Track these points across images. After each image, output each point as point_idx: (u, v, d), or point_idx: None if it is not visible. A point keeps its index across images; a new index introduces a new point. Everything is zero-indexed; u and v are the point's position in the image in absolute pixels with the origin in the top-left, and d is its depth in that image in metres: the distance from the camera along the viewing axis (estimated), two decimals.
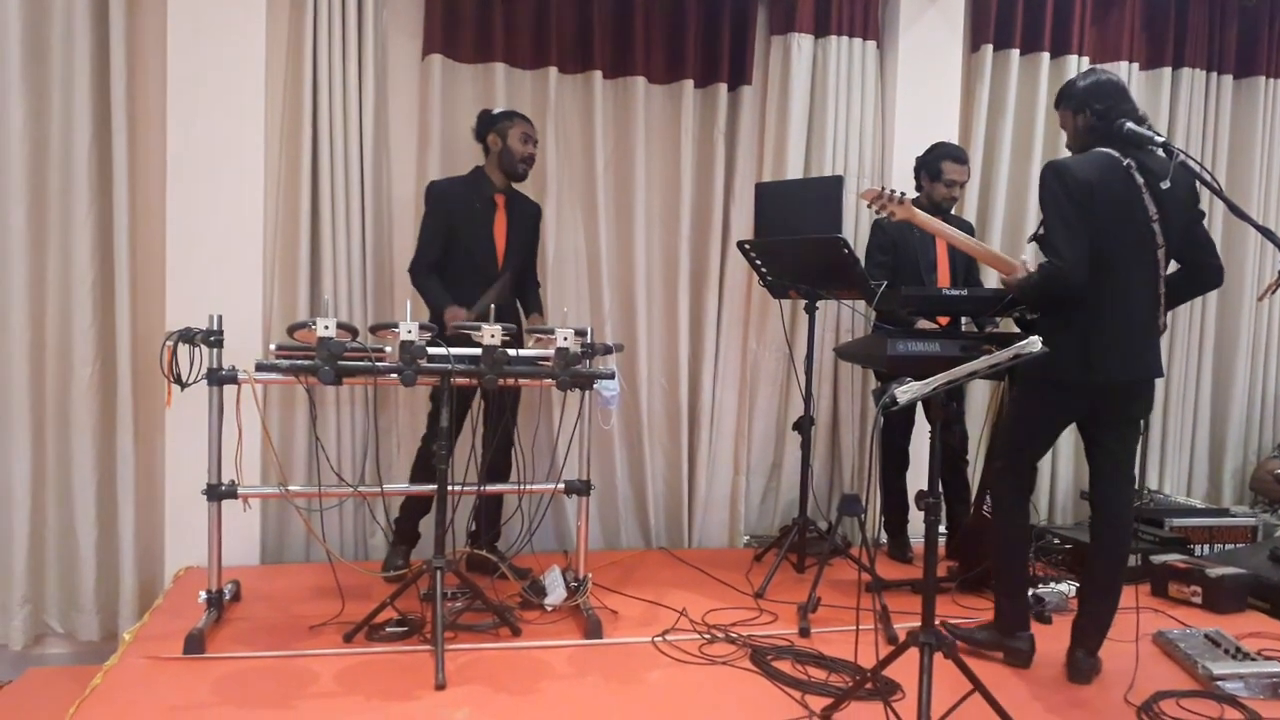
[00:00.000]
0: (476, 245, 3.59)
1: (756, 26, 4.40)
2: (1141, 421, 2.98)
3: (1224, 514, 4.42)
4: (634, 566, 4.00)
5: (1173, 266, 2.88)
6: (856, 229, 4.37)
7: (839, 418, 4.54)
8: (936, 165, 3.95)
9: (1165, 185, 2.72)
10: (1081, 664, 2.86)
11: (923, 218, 3.32)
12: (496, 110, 3.69)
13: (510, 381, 3.11)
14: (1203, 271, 2.93)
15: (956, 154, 3.97)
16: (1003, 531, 2.97)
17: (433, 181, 3.70)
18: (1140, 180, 2.75)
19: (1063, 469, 4.86)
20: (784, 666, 2.87)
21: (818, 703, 2.60)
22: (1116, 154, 2.77)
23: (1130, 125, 2.77)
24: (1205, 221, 2.98)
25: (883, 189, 3.30)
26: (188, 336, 2.94)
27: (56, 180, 3.59)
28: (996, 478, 3.05)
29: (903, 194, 3.29)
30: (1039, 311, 2.93)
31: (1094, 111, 2.82)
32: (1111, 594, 2.89)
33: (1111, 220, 2.74)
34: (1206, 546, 4.21)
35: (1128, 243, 2.76)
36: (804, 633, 3.18)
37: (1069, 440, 4.82)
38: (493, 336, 2.92)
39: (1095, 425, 2.93)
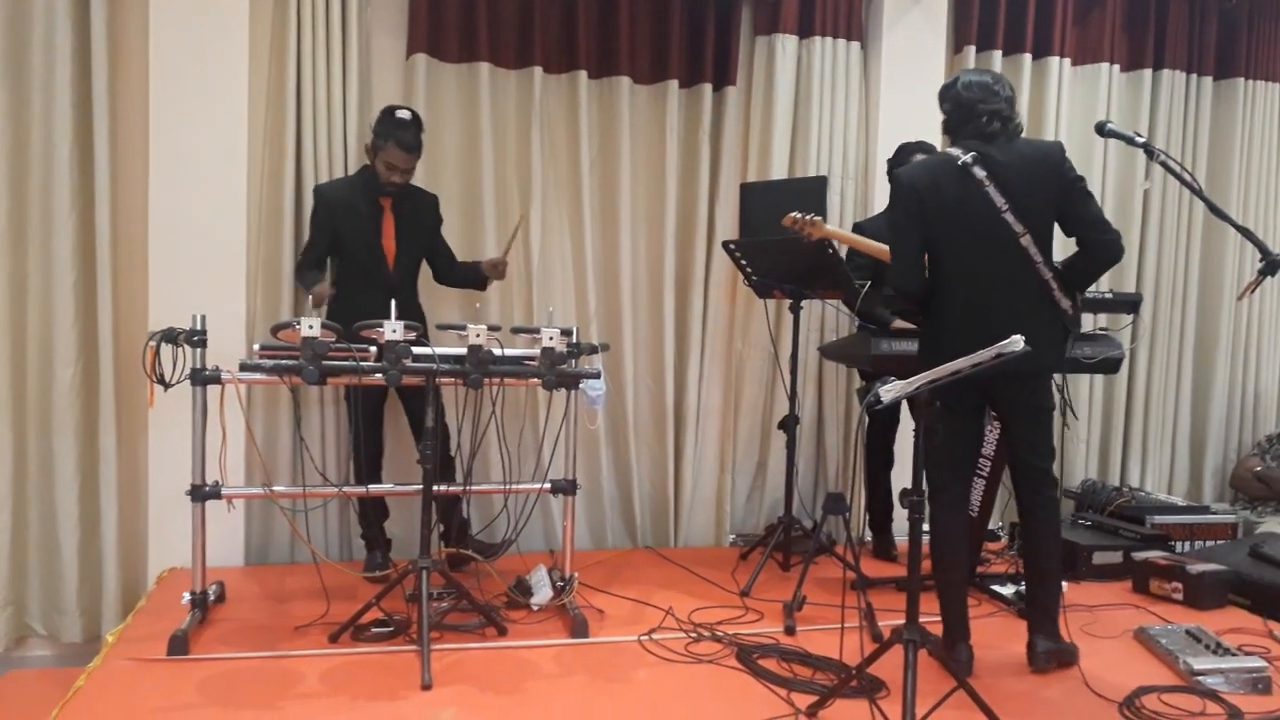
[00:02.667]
0: (362, 250, 3.55)
1: (741, 27, 4.41)
2: (1055, 409, 2.96)
3: (1205, 511, 4.46)
4: (620, 566, 4.00)
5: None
6: (841, 229, 4.37)
7: (824, 417, 4.56)
8: (907, 161, 3.98)
9: (980, 173, 2.79)
10: (1038, 651, 2.89)
11: (836, 232, 3.51)
12: (397, 114, 3.51)
13: (498, 382, 3.09)
14: (1094, 248, 2.84)
15: (923, 147, 4.01)
16: (934, 549, 2.95)
17: (318, 185, 3.68)
18: (982, 174, 2.80)
19: None
20: (770, 665, 2.88)
21: (803, 700, 2.61)
22: (957, 152, 2.84)
23: (1111, 125, 2.87)
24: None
25: (799, 215, 3.46)
26: (171, 336, 2.93)
27: (38, 179, 3.56)
28: (929, 498, 2.96)
29: (814, 216, 3.46)
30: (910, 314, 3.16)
31: (944, 111, 2.95)
32: (1046, 580, 2.92)
33: (947, 219, 2.85)
34: (1187, 543, 4.24)
35: (973, 238, 2.83)
36: (789, 631, 3.19)
37: None
38: (478, 336, 2.92)
39: (1002, 417, 3.01)
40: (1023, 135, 2.92)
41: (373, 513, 3.70)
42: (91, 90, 3.57)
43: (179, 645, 2.83)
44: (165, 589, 3.43)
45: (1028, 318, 2.70)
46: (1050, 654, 2.89)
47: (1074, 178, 2.84)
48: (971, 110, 2.85)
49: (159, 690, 2.61)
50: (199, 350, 2.98)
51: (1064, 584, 3.54)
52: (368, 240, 3.57)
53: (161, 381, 2.90)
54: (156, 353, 2.87)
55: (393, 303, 2.93)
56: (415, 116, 3.56)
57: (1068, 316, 2.85)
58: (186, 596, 3.06)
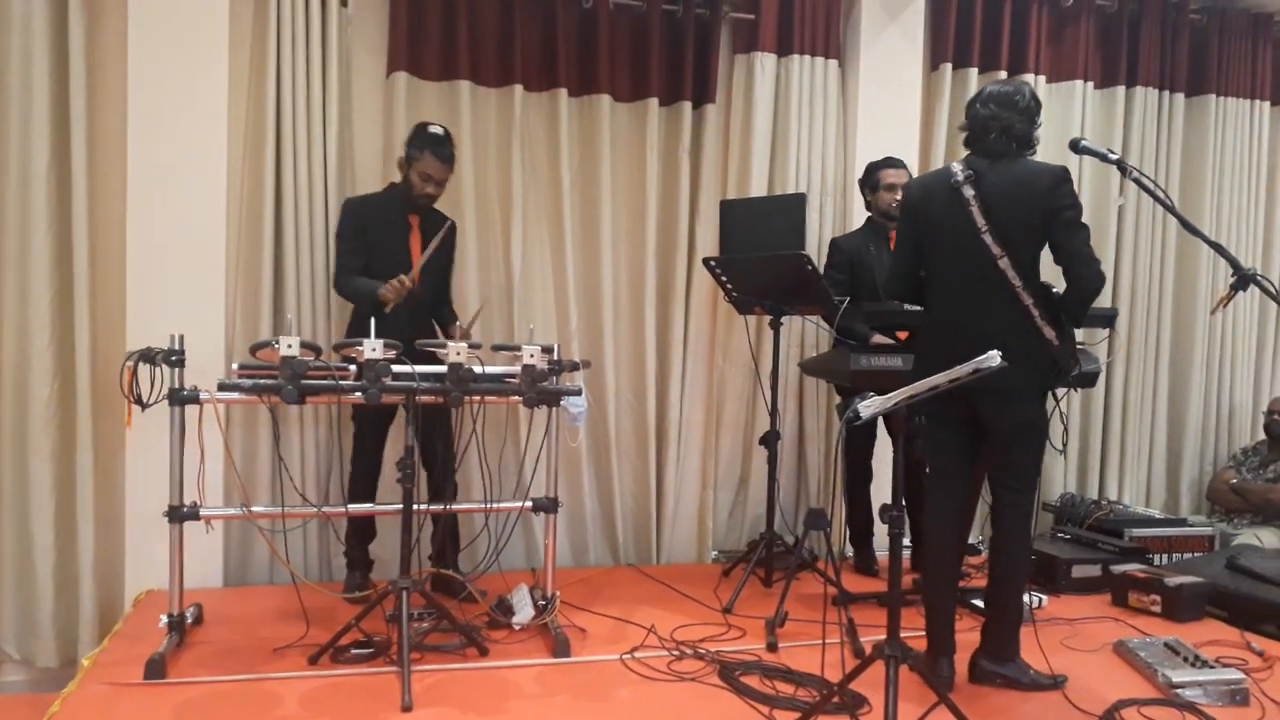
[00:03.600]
0: (391, 264, 3.53)
1: (720, 45, 4.44)
2: (1041, 431, 2.91)
3: (1182, 524, 4.50)
4: (602, 584, 3.99)
5: None
6: (820, 246, 4.41)
7: (804, 432, 4.57)
8: (874, 177, 4.06)
9: (969, 193, 2.81)
10: (979, 668, 2.91)
11: None
12: (430, 129, 3.56)
13: (479, 399, 3.08)
14: (1070, 280, 2.80)
15: (890, 161, 4.06)
16: (920, 563, 2.97)
17: (348, 197, 3.70)
18: (970, 194, 2.81)
19: None
20: (752, 681, 2.88)
21: (786, 717, 2.61)
22: (957, 169, 2.87)
23: (1085, 142, 2.91)
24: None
25: None
26: (148, 356, 2.90)
27: (14, 197, 3.53)
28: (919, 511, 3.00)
29: None
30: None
31: (961, 127, 2.99)
32: (997, 607, 2.92)
33: (935, 236, 2.92)
34: (1165, 556, 4.28)
35: (956, 257, 2.87)
36: (772, 647, 3.19)
37: None
38: (458, 354, 2.91)
39: (982, 437, 2.93)
40: (1034, 153, 2.91)
41: (360, 533, 3.68)
42: (69, 108, 3.55)
43: (156, 669, 2.80)
44: (142, 611, 3.40)
45: (1002, 340, 2.50)
46: (995, 677, 2.89)
47: (1061, 205, 2.76)
48: (983, 127, 2.87)
49: (135, 715, 2.58)
50: (177, 370, 2.96)
51: (1035, 599, 3.58)
52: (397, 255, 3.56)
53: (139, 401, 2.88)
54: (134, 372, 2.85)
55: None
56: (447, 132, 3.60)
57: (1053, 347, 2.79)
58: (164, 619, 3.02)
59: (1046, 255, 2.85)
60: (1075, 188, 2.81)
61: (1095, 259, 2.77)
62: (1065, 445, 4.82)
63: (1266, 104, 5.22)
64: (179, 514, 3.00)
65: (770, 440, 3.89)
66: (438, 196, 3.62)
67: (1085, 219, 2.83)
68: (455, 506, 3.44)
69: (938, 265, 2.94)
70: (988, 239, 2.79)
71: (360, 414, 3.60)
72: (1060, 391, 4.75)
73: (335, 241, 3.66)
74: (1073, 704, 2.76)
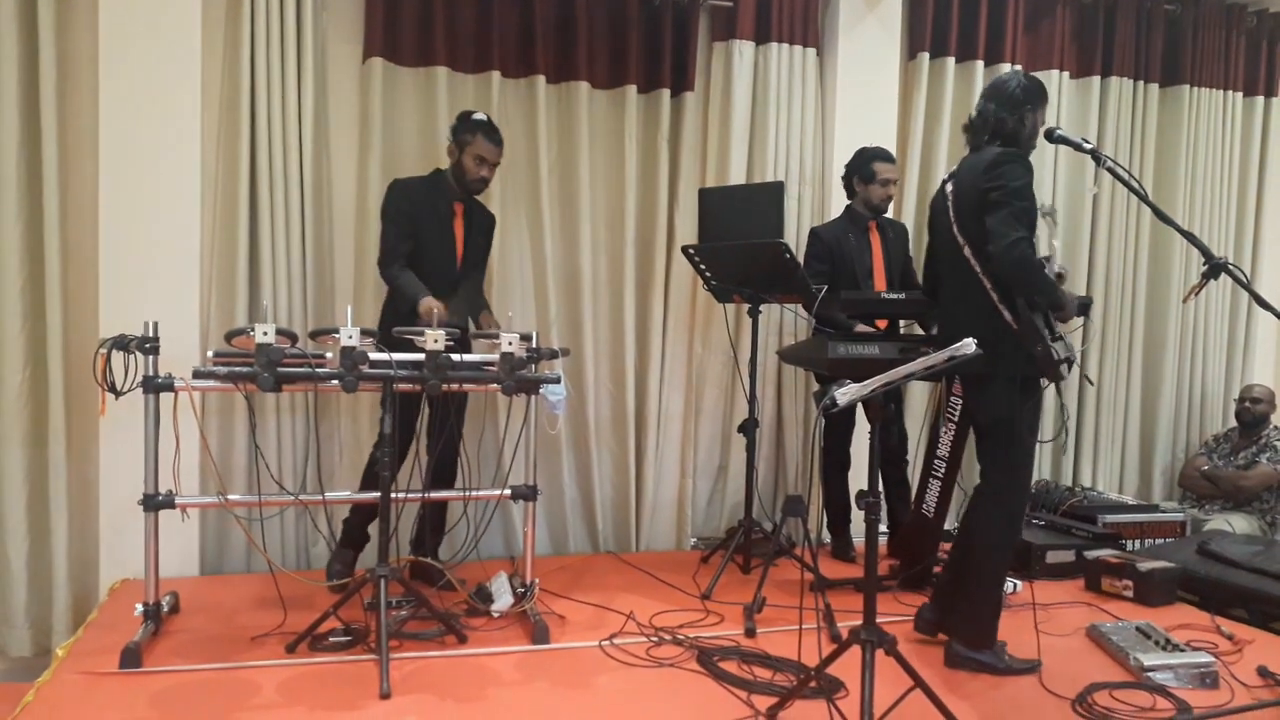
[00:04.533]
0: (436, 248, 3.53)
1: (698, 33, 4.43)
2: (1009, 422, 2.89)
3: (1154, 510, 4.55)
4: (582, 571, 4.00)
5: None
6: (798, 234, 4.43)
7: (783, 420, 4.59)
8: (868, 168, 4.04)
9: (949, 188, 2.96)
10: (952, 652, 2.96)
11: None
12: (475, 115, 3.56)
13: (456, 387, 3.07)
14: (989, 258, 2.80)
15: (883, 154, 4.07)
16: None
17: (396, 179, 3.64)
18: (949, 189, 2.95)
19: None
20: (730, 667, 2.89)
21: (763, 702, 2.63)
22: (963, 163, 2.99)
23: (1060, 131, 2.95)
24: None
25: None
26: (122, 343, 2.88)
27: None
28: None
29: None
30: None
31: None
32: (963, 594, 2.95)
33: (932, 235, 3.15)
34: (1137, 542, 4.33)
35: (942, 252, 3.03)
36: (750, 633, 3.21)
37: None
38: (435, 341, 2.90)
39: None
40: (1029, 144, 2.95)
41: (364, 509, 3.60)
42: (39, 92, 3.51)
43: (132, 658, 2.78)
44: (117, 600, 3.38)
45: (969, 326, 2.60)
46: (963, 660, 2.93)
47: (989, 186, 2.78)
48: (981, 121, 2.96)
49: (111, 705, 2.56)
50: (151, 357, 2.93)
51: (1010, 584, 3.60)
52: (442, 240, 3.55)
53: (113, 389, 2.85)
54: (107, 360, 2.82)
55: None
56: (491, 120, 3.60)
57: (1014, 330, 2.80)
58: (139, 608, 3.00)
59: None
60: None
61: (1008, 234, 2.72)
62: (1060, 436, 4.81)
63: (1239, 95, 5.28)
64: (154, 502, 2.98)
65: (749, 428, 3.91)
66: (489, 181, 3.61)
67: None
68: (434, 495, 3.42)
69: (935, 262, 3.14)
70: (955, 230, 2.89)
71: (387, 401, 3.53)
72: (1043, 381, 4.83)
73: (383, 222, 3.55)
74: (1046, 688, 2.80)
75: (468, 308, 3.67)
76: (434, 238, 3.55)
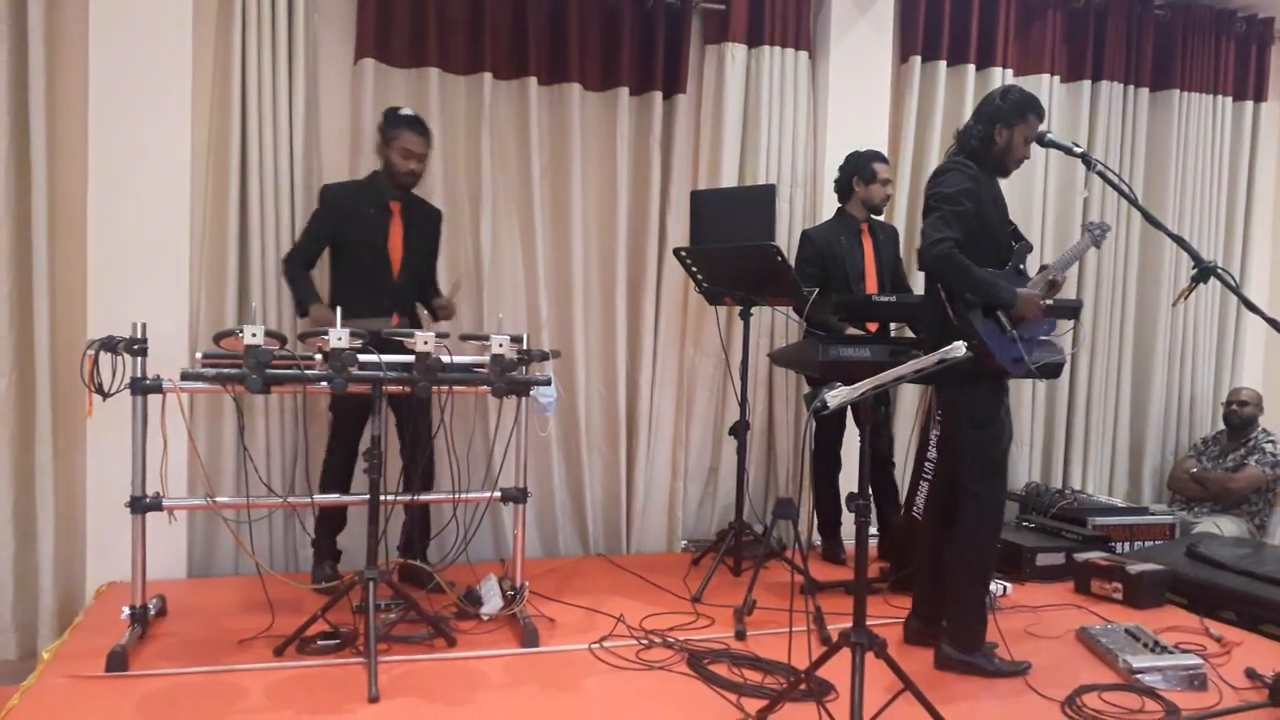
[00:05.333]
0: (370, 252, 3.52)
1: (691, 36, 4.44)
2: (954, 421, 2.99)
3: (1143, 512, 4.57)
4: (572, 573, 3.99)
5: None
6: (789, 237, 4.43)
7: (774, 422, 4.59)
8: (869, 168, 4.05)
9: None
10: (941, 654, 2.98)
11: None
12: (403, 111, 3.58)
13: (407, 390, 3.04)
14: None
15: (881, 155, 4.10)
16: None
17: (327, 184, 3.66)
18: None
19: None
20: (720, 670, 2.89)
21: (754, 705, 2.62)
22: None
23: (1051, 135, 2.98)
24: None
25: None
26: (110, 345, 2.86)
27: None
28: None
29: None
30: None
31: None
32: (951, 594, 2.98)
33: None
34: (1127, 544, 4.34)
35: None
36: (740, 635, 3.21)
37: None
38: (425, 344, 2.89)
39: None
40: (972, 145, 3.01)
41: (327, 523, 3.65)
42: (28, 93, 3.49)
43: (118, 661, 2.76)
44: (104, 604, 3.35)
45: (926, 325, 2.92)
46: (953, 662, 2.94)
47: (928, 193, 2.95)
48: (962, 130, 3.05)
49: (97, 708, 2.55)
50: (139, 359, 2.91)
51: (1000, 587, 3.62)
52: (373, 243, 3.53)
53: (100, 391, 2.84)
54: (95, 361, 2.81)
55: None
56: (418, 115, 3.60)
57: (954, 325, 2.88)
58: (126, 611, 2.98)
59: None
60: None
61: (931, 235, 2.85)
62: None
63: (1229, 99, 5.30)
64: (141, 504, 2.97)
65: (740, 430, 3.91)
66: (420, 175, 3.59)
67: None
68: (423, 497, 3.41)
69: None
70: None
71: (337, 404, 3.56)
72: (1028, 383, 4.85)
73: (307, 223, 3.61)
74: (1035, 690, 2.80)
75: (415, 304, 3.67)
76: (366, 239, 3.53)
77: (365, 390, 2.96)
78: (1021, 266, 3.05)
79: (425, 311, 3.73)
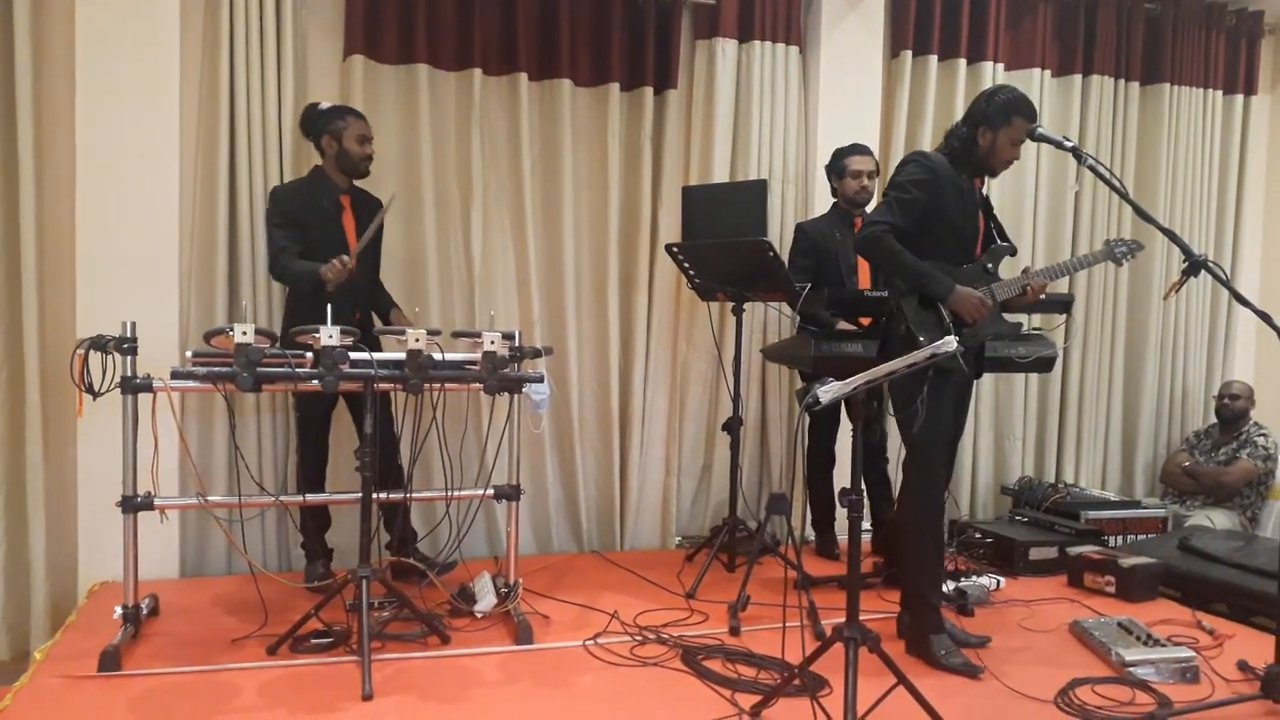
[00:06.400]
0: (327, 246, 3.48)
1: (681, 31, 4.43)
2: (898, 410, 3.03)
3: (1136, 506, 4.57)
4: (566, 570, 3.99)
5: None
6: (781, 232, 4.43)
7: (767, 418, 4.59)
8: (840, 163, 4.07)
9: None
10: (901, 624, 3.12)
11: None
12: (324, 106, 3.59)
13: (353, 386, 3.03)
14: None
15: (857, 149, 4.08)
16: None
17: (276, 186, 3.67)
18: None
19: (983, 464, 4.98)
20: (714, 665, 2.89)
21: (748, 700, 2.62)
22: None
23: (1042, 130, 2.97)
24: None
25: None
26: (100, 344, 2.84)
27: None
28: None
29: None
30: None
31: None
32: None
33: None
34: (1120, 538, 4.35)
35: None
36: (734, 631, 3.21)
37: (987, 436, 4.96)
38: (417, 340, 2.89)
39: None
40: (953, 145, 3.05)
41: (313, 522, 3.65)
42: (15, 89, 3.46)
43: (110, 661, 2.75)
44: (96, 603, 3.34)
45: (886, 314, 3.07)
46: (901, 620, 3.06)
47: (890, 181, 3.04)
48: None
49: (89, 708, 2.54)
50: (129, 358, 2.90)
51: (994, 581, 3.63)
52: (332, 238, 3.52)
53: (90, 390, 2.82)
54: (85, 360, 2.79)
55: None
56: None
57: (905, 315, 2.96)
58: (118, 611, 2.97)
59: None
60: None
61: (871, 219, 3.00)
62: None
63: (1219, 93, 5.30)
64: (133, 504, 2.96)
65: (733, 426, 3.91)
66: (370, 160, 3.60)
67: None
68: (417, 495, 3.41)
69: None
70: None
71: (301, 402, 3.56)
72: (1020, 378, 4.85)
73: (268, 229, 3.58)
74: (1027, 685, 2.80)
75: (370, 303, 3.67)
76: (323, 236, 3.52)
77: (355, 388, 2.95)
78: (991, 266, 3.06)
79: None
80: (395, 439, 3.59)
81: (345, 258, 3.31)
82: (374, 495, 3.00)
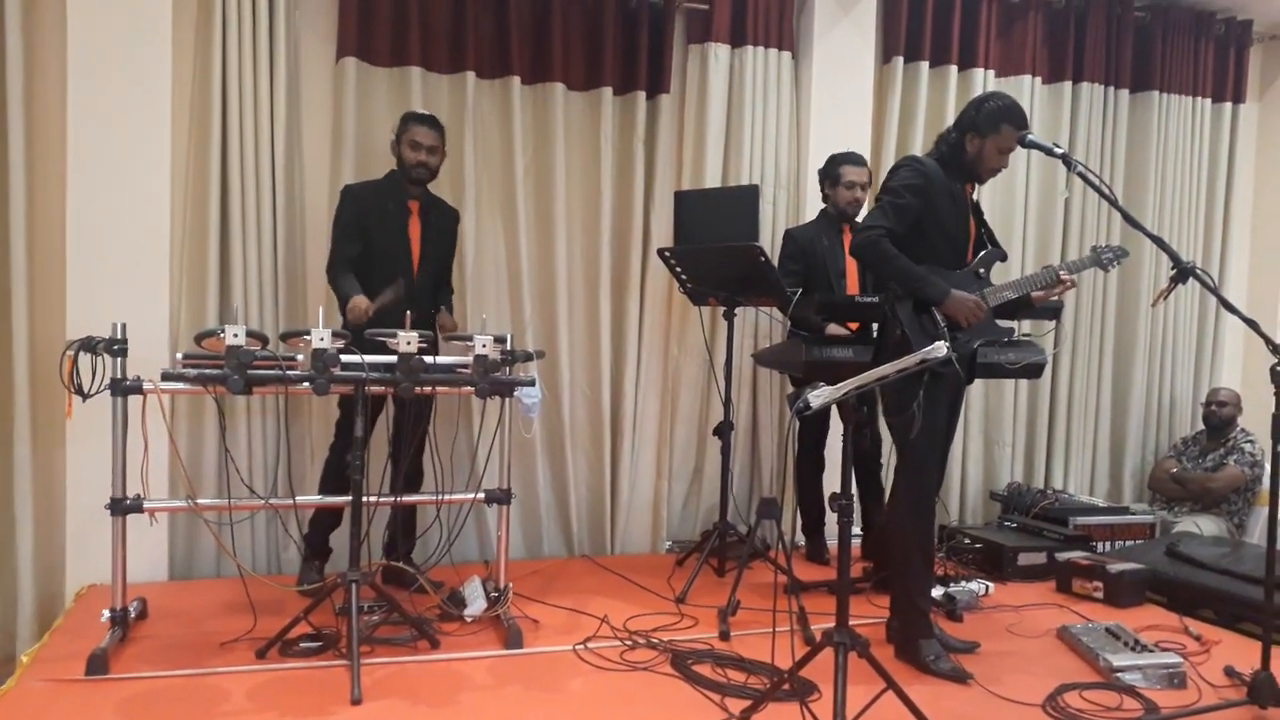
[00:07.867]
0: (390, 250, 3.52)
1: (674, 35, 4.44)
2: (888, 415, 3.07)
3: (1124, 512, 4.60)
4: (556, 575, 3.98)
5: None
6: (773, 237, 4.44)
7: (758, 423, 4.59)
8: (835, 171, 4.07)
9: None
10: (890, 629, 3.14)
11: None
12: (412, 110, 3.64)
13: (428, 390, 3.05)
14: None
15: (852, 158, 4.09)
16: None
17: (348, 185, 3.66)
18: None
19: (972, 470, 4.99)
20: (704, 670, 2.89)
21: (737, 705, 2.62)
22: None
23: (1031, 136, 2.98)
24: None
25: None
26: (89, 345, 2.84)
27: None
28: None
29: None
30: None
31: None
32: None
33: None
34: (1108, 544, 4.37)
35: None
36: (724, 636, 3.21)
37: (977, 442, 4.97)
38: (409, 344, 2.88)
39: None
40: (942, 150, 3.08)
41: (325, 520, 3.62)
42: (6, 90, 3.45)
43: (98, 664, 2.74)
44: (84, 606, 3.33)
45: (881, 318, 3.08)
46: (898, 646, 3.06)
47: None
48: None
49: (77, 712, 2.53)
50: (119, 359, 2.89)
51: (983, 586, 3.65)
52: (395, 242, 3.53)
53: (79, 392, 2.81)
54: (74, 362, 2.78)
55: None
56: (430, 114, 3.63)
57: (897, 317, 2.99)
58: (106, 614, 2.96)
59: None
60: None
61: (865, 223, 3.03)
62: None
63: (1208, 101, 5.34)
64: (122, 506, 2.94)
65: (724, 431, 3.91)
66: (432, 168, 3.58)
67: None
68: (407, 498, 3.40)
69: None
70: None
71: (347, 401, 3.53)
72: (1010, 384, 4.87)
73: (332, 228, 3.59)
74: (1016, 690, 2.81)
75: (430, 307, 3.66)
76: (385, 239, 3.53)
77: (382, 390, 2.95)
78: (982, 271, 3.08)
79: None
80: (425, 442, 3.56)
81: (368, 304, 3.31)
82: (364, 498, 3.00)
